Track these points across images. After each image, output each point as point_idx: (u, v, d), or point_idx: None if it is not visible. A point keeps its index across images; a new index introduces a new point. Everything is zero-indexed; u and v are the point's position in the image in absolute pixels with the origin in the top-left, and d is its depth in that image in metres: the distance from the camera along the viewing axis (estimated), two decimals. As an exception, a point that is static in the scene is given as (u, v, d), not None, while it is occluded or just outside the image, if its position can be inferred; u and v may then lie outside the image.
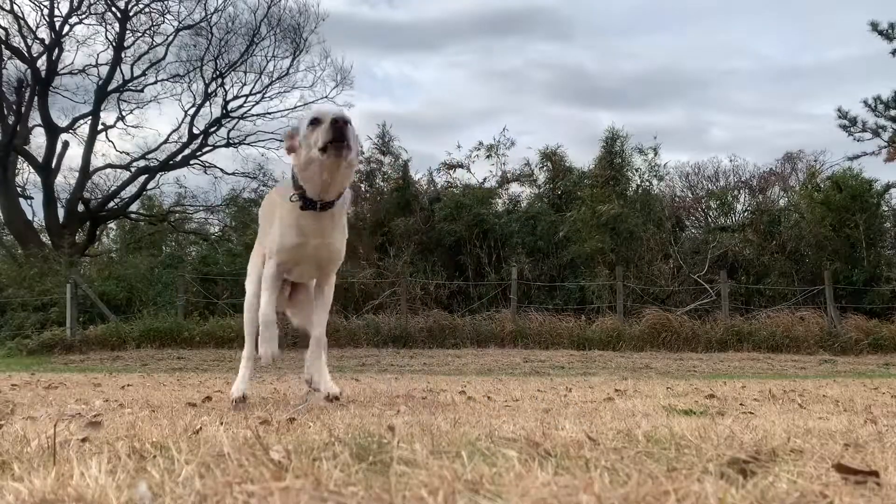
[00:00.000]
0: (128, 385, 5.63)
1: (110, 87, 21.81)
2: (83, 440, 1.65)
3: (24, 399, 3.69)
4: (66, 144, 21.65)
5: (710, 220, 19.69)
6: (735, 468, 1.22)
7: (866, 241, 16.41)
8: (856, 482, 1.14)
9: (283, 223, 3.11)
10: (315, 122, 2.83)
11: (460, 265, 17.13)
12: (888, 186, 17.27)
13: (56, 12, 20.66)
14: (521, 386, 4.50)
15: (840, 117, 16.00)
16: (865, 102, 15.69)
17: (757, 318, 13.87)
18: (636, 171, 17.97)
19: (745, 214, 19.18)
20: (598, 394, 4.32)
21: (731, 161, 21.67)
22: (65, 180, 22.06)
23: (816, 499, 1.05)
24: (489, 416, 2.45)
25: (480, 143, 19.14)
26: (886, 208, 17.88)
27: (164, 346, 13.17)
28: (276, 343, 3.18)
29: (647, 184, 18.08)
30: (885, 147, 16.15)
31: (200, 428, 1.95)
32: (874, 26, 14.84)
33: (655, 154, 17.79)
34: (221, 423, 2.13)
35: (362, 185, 18.73)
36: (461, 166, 19.08)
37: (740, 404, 3.61)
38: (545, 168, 18.83)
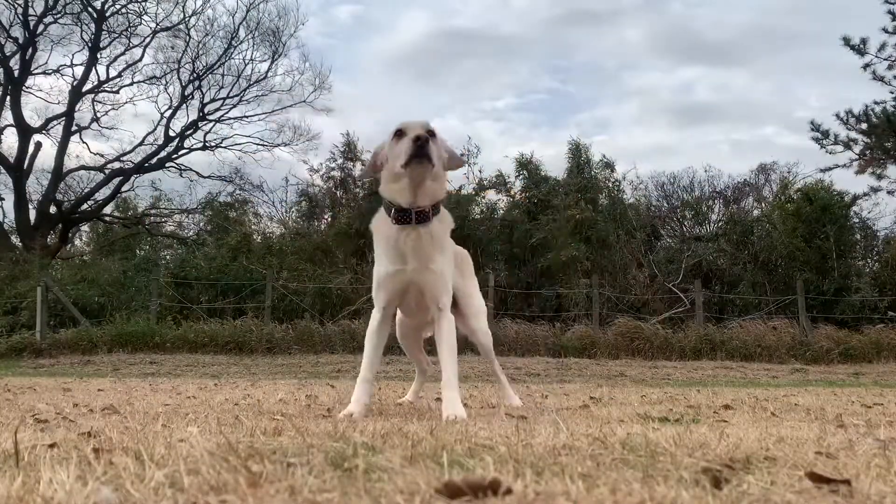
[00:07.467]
0: (99, 390, 5.53)
1: (85, 88, 21.59)
2: (51, 445, 1.61)
3: (-10, 404, 3.61)
4: (38, 145, 21.38)
5: (685, 229, 19.90)
6: (709, 476, 1.23)
7: (836, 252, 16.67)
8: (829, 490, 1.15)
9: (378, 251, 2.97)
10: (399, 133, 2.77)
11: (438, 272, 17.09)
12: (854, 198, 17.54)
13: (30, 11, 20.42)
14: (497, 393, 4.51)
15: (813, 129, 16.32)
16: (837, 116, 16.03)
17: (730, 327, 14.02)
18: (604, 181, 18.18)
19: (720, 224, 19.41)
20: (574, 401, 4.33)
21: (706, 171, 21.94)
22: (37, 181, 21.79)
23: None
24: (464, 423, 2.45)
25: (454, 151, 19.24)
26: (857, 220, 18.19)
27: (136, 351, 12.98)
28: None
29: (617, 193, 18.26)
30: (857, 160, 16.49)
31: (172, 434, 1.92)
32: (846, 41, 15.15)
33: (612, 169, 18.08)
34: (196, 430, 2.10)
35: (337, 192, 18.67)
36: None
37: (714, 412, 3.63)
38: (521, 176, 18.93)
